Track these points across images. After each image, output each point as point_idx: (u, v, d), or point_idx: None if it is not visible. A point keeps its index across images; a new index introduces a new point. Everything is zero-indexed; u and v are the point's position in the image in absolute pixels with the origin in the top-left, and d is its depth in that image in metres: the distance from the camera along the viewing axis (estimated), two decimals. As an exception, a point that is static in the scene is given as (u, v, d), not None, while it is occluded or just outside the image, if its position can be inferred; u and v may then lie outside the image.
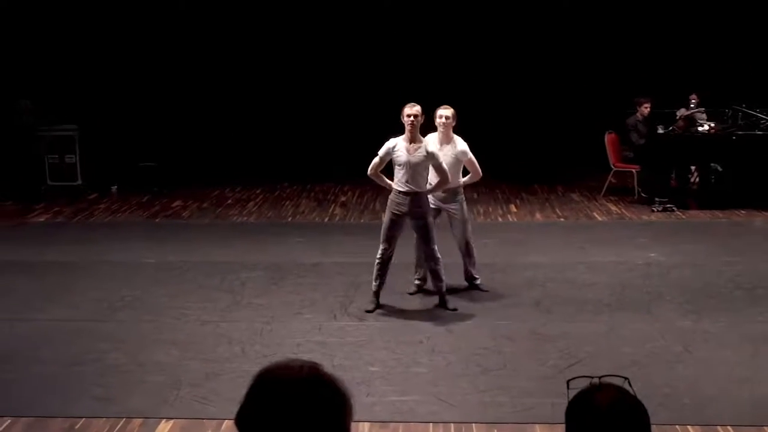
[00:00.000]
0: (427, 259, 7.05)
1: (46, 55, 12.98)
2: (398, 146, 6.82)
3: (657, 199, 10.88)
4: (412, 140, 6.78)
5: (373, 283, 7.12)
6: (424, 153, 6.78)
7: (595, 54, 13.31)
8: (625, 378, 2.04)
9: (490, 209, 11.22)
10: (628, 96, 11.93)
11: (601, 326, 6.72)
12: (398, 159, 6.82)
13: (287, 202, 11.79)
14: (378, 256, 7.07)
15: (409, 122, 6.73)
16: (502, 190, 12.22)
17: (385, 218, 7.05)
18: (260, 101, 13.62)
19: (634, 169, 11.61)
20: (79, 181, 12.46)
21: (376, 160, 6.96)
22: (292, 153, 13.46)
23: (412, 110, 6.75)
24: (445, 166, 6.88)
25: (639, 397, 1.96)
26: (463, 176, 7.38)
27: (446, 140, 7.16)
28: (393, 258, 7.11)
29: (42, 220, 10.88)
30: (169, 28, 13.48)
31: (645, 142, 11.39)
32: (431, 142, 6.99)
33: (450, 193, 7.24)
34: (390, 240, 7.01)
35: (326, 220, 10.82)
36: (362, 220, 10.77)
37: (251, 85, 13.59)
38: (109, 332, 6.67)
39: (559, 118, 13.49)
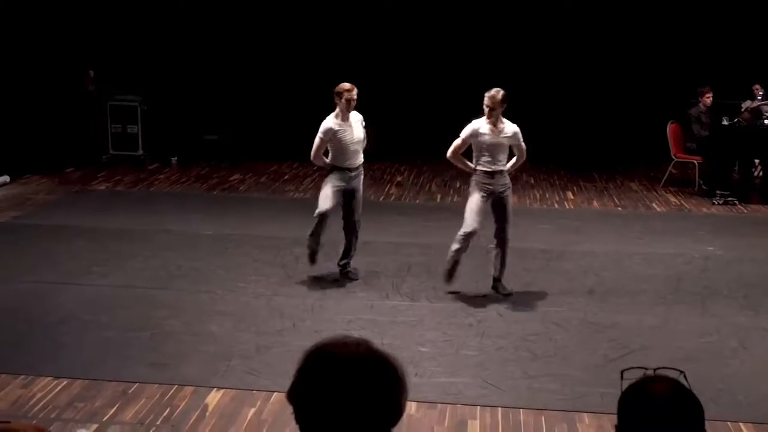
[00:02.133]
0: (499, 240, 7.00)
1: (113, 26, 13.16)
2: (482, 128, 6.86)
3: (718, 191, 10.67)
4: (495, 122, 6.83)
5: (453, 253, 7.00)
6: (509, 134, 6.84)
7: (661, 43, 13.06)
8: (681, 371, 2.00)
9: (547, 195, 11.12)
10: (691, 86, 11.69)
11: (655, 318, 6.63)
12: (485, 140, 6.86)
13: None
14: (462, 233, 6.97)
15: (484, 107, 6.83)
16: (560, 177, 12.09)
17: (473, 199, 6.97)
18: (319, 78, 13.65)
19: (695, 160, 11.39)
20: (141, 151, 12.66)
21: (458, 141, 6.99)
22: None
23: (486, 97, 6.80)
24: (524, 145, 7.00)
25: (692, 391, 1.93)
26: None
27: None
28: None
29: (103, 188, 11.08)
30: (233, 2, 13.56)
31: (708, 134, 11.16)
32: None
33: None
34: (479, 220, 6.96)
35: (381, 199, 10.84)
36: (417, 201, 10.76)
37: (312, 62, 13.62)
38: (166, 300, 6.79)
39: (622, 107, 13.28)
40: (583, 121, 13.23)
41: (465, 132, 6.92)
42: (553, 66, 13.18)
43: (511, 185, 7.05)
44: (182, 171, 12.12)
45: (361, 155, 7.33)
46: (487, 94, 6.79)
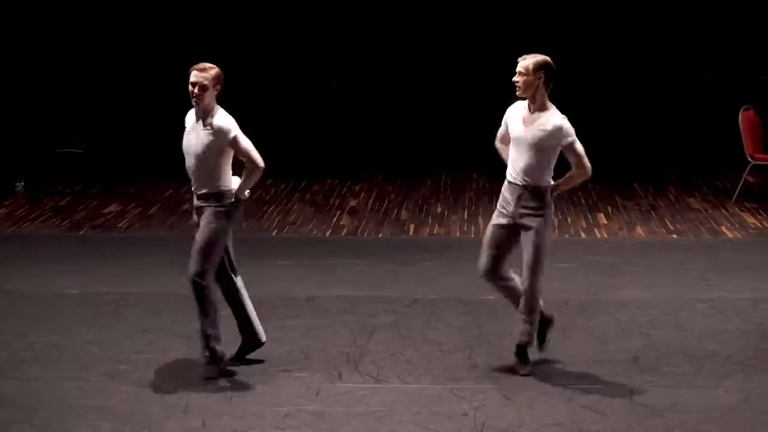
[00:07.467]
0: (525, 292, 6.94)
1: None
2: (514, 113, 6.86)
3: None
4: (533, 108, 6.78)
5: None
6: (547, 126, 6.73)
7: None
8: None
9: (569, 220, 11.18)
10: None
11: (731, 394, 6.68)
12: (511, 132, 6.85)
13: (271, 208, 11.81)
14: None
15: (514, 82, 6.76)
16: (588, 193, 12.18)
17: (491, 221, 7.05)
18: (235, 63, 13.68)
19: (782, 162, 11.58)
20: (-32, 175, 12.58)
21: (501, 128, 7.06)
22: (279, 139, 13.50)
23: (518, 66, 6.74)
24: (580, 150, 6.82)
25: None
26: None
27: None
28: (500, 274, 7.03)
29: None
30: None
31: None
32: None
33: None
34: (488, 250, 6.95)
35: (328, 234, 10.83)
36: (380, 235, 10.77)
37: (220, 42, 13.65)
38: (10, 396, 6.70)
39: (671, 88, 13.45)
40: (616, 114, 13.36)
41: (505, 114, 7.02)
42: (571, 50, 13.36)
43: (546, 211, 6.88)
44: (32, 202, 12.02)
45: (205, 182, 6.98)
46: (519, 60, 6.79)
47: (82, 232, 10.91)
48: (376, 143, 13.59)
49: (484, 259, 6.97)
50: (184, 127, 7.04)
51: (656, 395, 6.66)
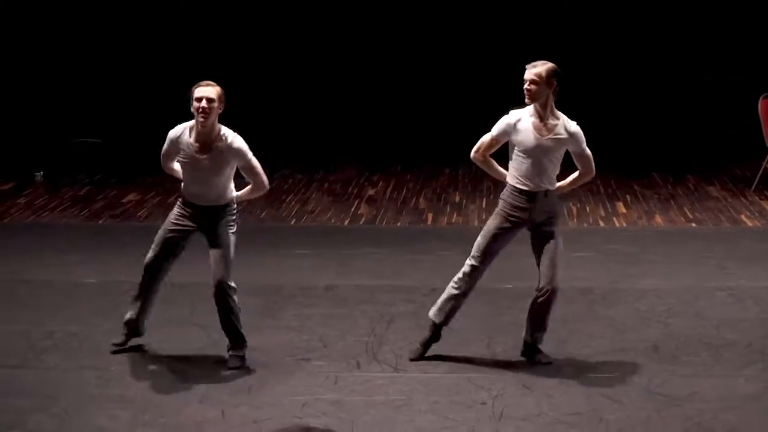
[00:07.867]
0: (544, 291, 6.93)
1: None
2: (522, 123, 6.77)
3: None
4: (544, 117, 6.74)
5: (436, 310, 7.11)
6: (563, 134, 6.75)
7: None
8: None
9: (587, 209, 11.15)
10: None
11: (750, 383, 6.66)
12: (523, 143, 6.78)
13: (289, 197, 11.81)
14: (463, 272, 7.04)
15: (525, 90, 6.70)
16: (607, 182, 12.15)
17: (491, 223, 6.97)
18: (249, 53, 13.68)
19: (801, 150, 11.54)
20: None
21: (486, 138, 6.95)
22: (297, 128, 13.51)
23: (527, 73, 6.67)
24: (590, 154, 6.90)
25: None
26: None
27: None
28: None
29: (-67, 220, 11.02)
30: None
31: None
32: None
33: None
34: (488, 255, 6.94)
35: (346, 223, 10.83)
36: (398, 224, 10.77)
37: (239, 31, 13.66)
38: (29, 384, 6.72)
39: (688, 76, 13.41)
40: (636, 102, 13.32)
41: (497, 126, 6.90)
42: (572, 48, 13.39)
43: (560, 211, 6.97)
44: (51, 192, 12.06)
45: (217, 198, 7.02)
46: (527, 67, 6.73)
47: (101, 222, 10.94)
48: (395, 132, 13.58)
49: (480, 258, 6.92)
50: (175, 145, 6.97)
51: (675, 384, 6.64)
